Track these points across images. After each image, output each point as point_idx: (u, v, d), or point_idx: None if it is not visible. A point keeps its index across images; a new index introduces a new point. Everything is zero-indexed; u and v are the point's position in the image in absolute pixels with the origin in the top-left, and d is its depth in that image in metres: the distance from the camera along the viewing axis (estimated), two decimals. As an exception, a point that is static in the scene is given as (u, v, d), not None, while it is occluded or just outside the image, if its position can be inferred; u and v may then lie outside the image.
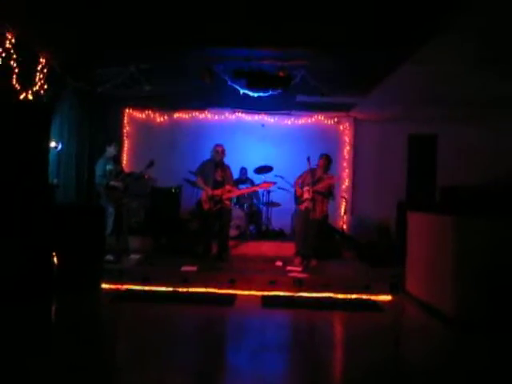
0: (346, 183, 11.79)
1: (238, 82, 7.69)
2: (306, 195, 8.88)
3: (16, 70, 7.27)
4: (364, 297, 7.62)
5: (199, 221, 10.65)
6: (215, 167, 8.76)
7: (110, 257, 8.30)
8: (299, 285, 7.63)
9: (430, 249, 7.19)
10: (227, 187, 8.66)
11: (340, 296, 7.57)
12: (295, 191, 9.07)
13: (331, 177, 9.01)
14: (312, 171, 8.95)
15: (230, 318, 6.66)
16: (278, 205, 10.99)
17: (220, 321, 6.58)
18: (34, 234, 6.98)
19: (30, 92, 7.72)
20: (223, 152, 8.77)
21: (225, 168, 8.81)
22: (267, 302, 7.16)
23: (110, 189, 8.50)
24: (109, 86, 8.26)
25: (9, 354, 4.93)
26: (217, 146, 8.82)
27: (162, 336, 5.76)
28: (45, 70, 7.97)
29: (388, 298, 7.66)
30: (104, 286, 7.61)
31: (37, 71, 7.85)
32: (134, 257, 8.89)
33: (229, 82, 7.81)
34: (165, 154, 11.56)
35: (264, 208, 11.18)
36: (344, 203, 11.66)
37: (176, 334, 5.89)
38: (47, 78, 8.00)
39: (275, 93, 7.92)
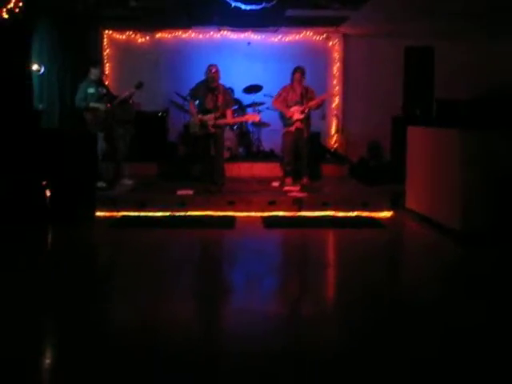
0: (337, 101, 11.45)
1: (230, -7, 7.23)
2: (296, 116, 8.54)
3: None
4: (364, 214, 7.55)
5: (188, 145, 10.42)
6: (207, 91, 8.15)
7: (101, 184, 8.02)
8: (299, 204, 7.49)
9: (433, 164, 7.04)
10: (214, 115, 8.06)
11: (340, 214, 7.49)
12: (283, 112, 8.69)
13: (327, 94, 8.67)
14: (292, 87, 8.62)
15: (232, 240, 6.52)
16: (267, 125, 10.69)
17: (222, 243, 6.46)
18: (23, 162, 6.68)
19: (3, 10, 7.20)
20: (216, 73, 8.00)
21: (218, 93, 8.05)
22: (268, 222, 7.03)
23: (91, 110, 8.08)
24: (91, 2, 7.69)
25: (7, 285, 4.74)
26: (209, 66, 8.09)
27: (162, 261, 5.62)
28: (18, -14, 7.40)
29: (389, 214, 7.59)
30: (98, 213, 7.39)
31: (10, -14, 7.30)
32: (127, 182, 8.59)
33: (219, -6, 7.33)
34: (148, 76, 10.98)
35: (253, 128, 10.89)
36: (335, 122, 11.40)
37: (177, 258, 5.76)
38: (22, -4, 7.45)
39: (268, 5, 7.48)
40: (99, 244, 6.48)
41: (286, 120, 8.62)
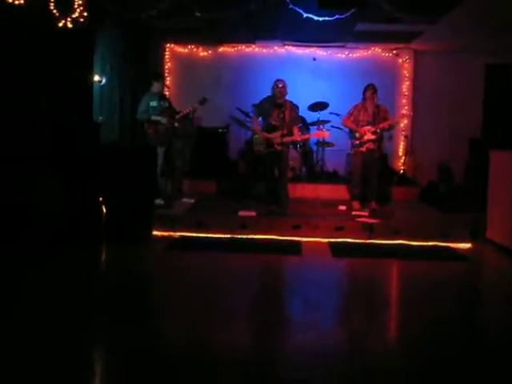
0: (405, 121, 10.83)
1: (303, 4, 6.78)
2: (368, 136, 7.99)
3: (53, -6, 6.52)
4: (441, 244, 6.91)
5: (249, 163, 10.00)
6: (273, 107, 7.70)
7: (159, 201, 7.65)
8: (369, 231, 6.93)
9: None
10: (280, 132, 7.55)
11: (415, 243, 6.88)
12: (353, 132, 8.15)
13: (402, 115, 8.05)
14: (363, 106, 8.08)
15: (298, 268, 5.97)
16: (331, 145, 10.18)
17: (287, 272, 5.95)
18: (80, 175, 6.37)
19: (69, 20, 6.96)
20: (283, 88, 7.60)
21: (285, 109, 7.58)
22: (336, 250, 6.47)
23: (153, 123, 7.75)
24: (154, 13, 7.38)
25: (55, 303, 4.49)
26: (276, 81, 7.68)
27: (221, 286, 5.18)
28: (84, -5, 7.16)
29: (468, 245, 6.93)
30: (155, 233, 7.03)
31: (75, -4, 7.06)
32: (187, 201, 8.21)
33: (290, 5, 6.89)
34: (209, 91, 10.60)
35: (316, 148, 10.38)
36: (403, 143, 10.77)
37: (238, 285, 5.28)
38: (86, 5, 7.19)
39: (342, 17, 7.01)
40: (155, 266, 6.07)
41: (356, 140, 8.07)
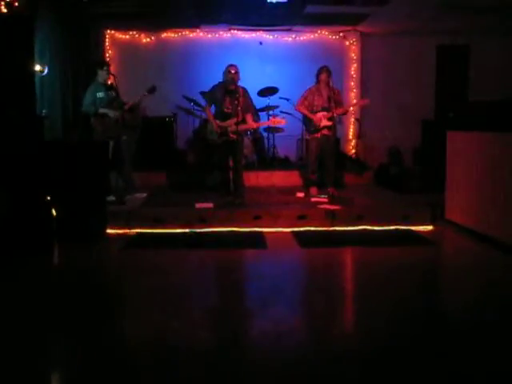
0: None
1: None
2: (324, 123, 7.81)
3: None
4: (402, 228, 6.84)
5: (197, 153, 9.69)
6: (225, 94, 7.43)
7: (111, 197, 7.24)
8: (332, 218, 6.78)
9: (483, 172, 6.34)
10: (234, 120, 7.30)
11: (377, 228, 6.79)
12: (308, 118, 7.93)
13: (358, 104, 7.94)
14: (318, 90, 7.89)
15: (267, 264, 5.63)
16: (281, 130, 9.99)
17: (256, 267, 5.64)
18: (25, 175, 5.92)
19: (2, 3, 6.45)
20: (236, 74, 7.31)
21: (237, 96, 7.31)
22: (303, 240, 6.26)
23: (100, 117, 7.35)
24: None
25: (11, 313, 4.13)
26: (228, 66, 7.38)
27: (186, 286, 4.85)
28: (18, -22, 6.64)
29: (429, 227, 6.90)
30: (110, 231, 6.65)
31: (9, -21, 6.54)
32: (139, 196, 7.85)
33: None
34: (154, 79, 10.21)
35: (267, 134, 10.16)
36: (353, 126, 10.70)
37: (208, 286, 5.02)
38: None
39: (295, -1, 6.78)
40: (112, 267, 5.69)
41: (311, 126, 7.88)
